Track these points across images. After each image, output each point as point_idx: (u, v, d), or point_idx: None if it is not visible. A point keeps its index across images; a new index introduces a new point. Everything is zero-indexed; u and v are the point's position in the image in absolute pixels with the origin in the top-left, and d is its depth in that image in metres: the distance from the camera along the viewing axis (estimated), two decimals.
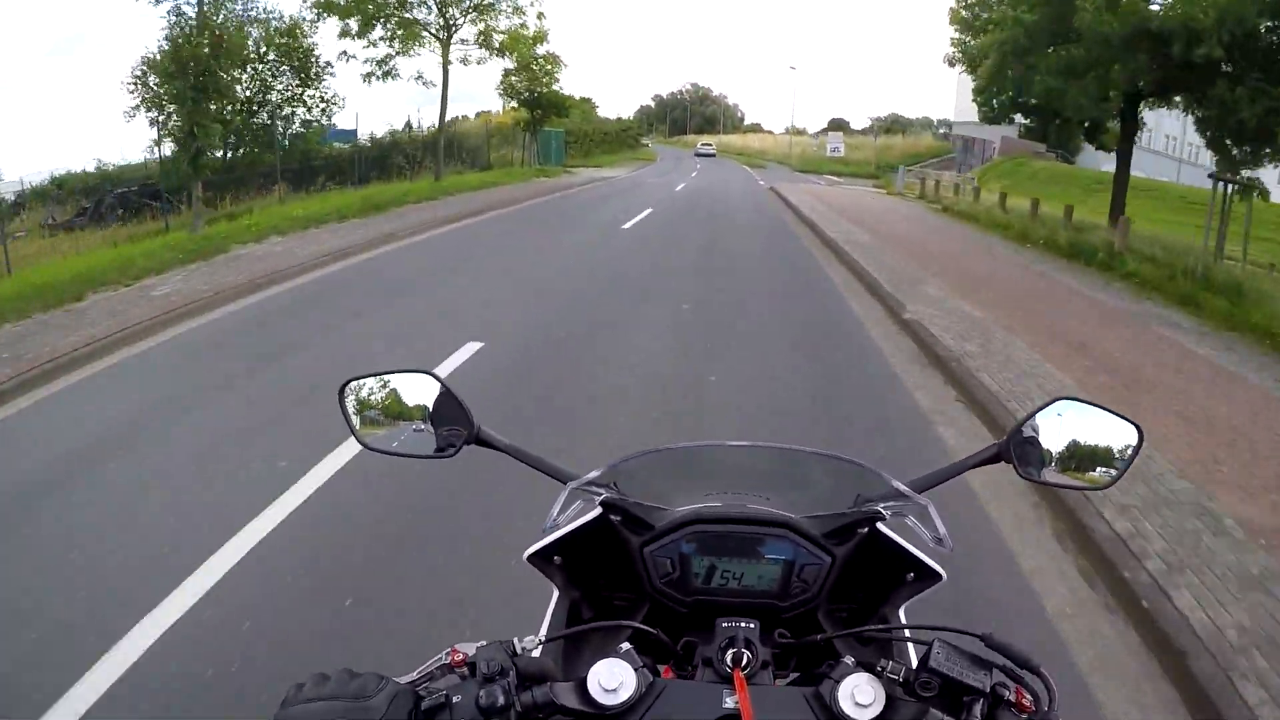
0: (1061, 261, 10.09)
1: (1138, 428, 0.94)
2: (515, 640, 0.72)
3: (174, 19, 10.60)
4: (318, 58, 17.68)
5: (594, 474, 0.91)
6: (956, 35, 25.33)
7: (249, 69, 15.64)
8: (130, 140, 44.17)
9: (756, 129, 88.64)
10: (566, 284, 7.40)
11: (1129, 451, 0.96)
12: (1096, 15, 11.49)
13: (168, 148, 12.01)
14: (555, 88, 24.26)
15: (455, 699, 0.65)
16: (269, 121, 16.59)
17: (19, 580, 2.49)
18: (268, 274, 7.10)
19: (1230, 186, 10.46)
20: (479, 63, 19.53)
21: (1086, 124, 49.09)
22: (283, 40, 16.49)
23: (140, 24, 40.07)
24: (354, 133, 20.46)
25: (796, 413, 4.17)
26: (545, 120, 25.23)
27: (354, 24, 17.42)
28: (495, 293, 6.83)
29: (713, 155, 54.52)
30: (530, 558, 0.94)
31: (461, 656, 0.69)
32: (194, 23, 10.30)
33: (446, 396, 0.99)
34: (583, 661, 0.76)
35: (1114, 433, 0.97)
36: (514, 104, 24.51)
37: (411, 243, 9.80)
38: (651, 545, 0.87)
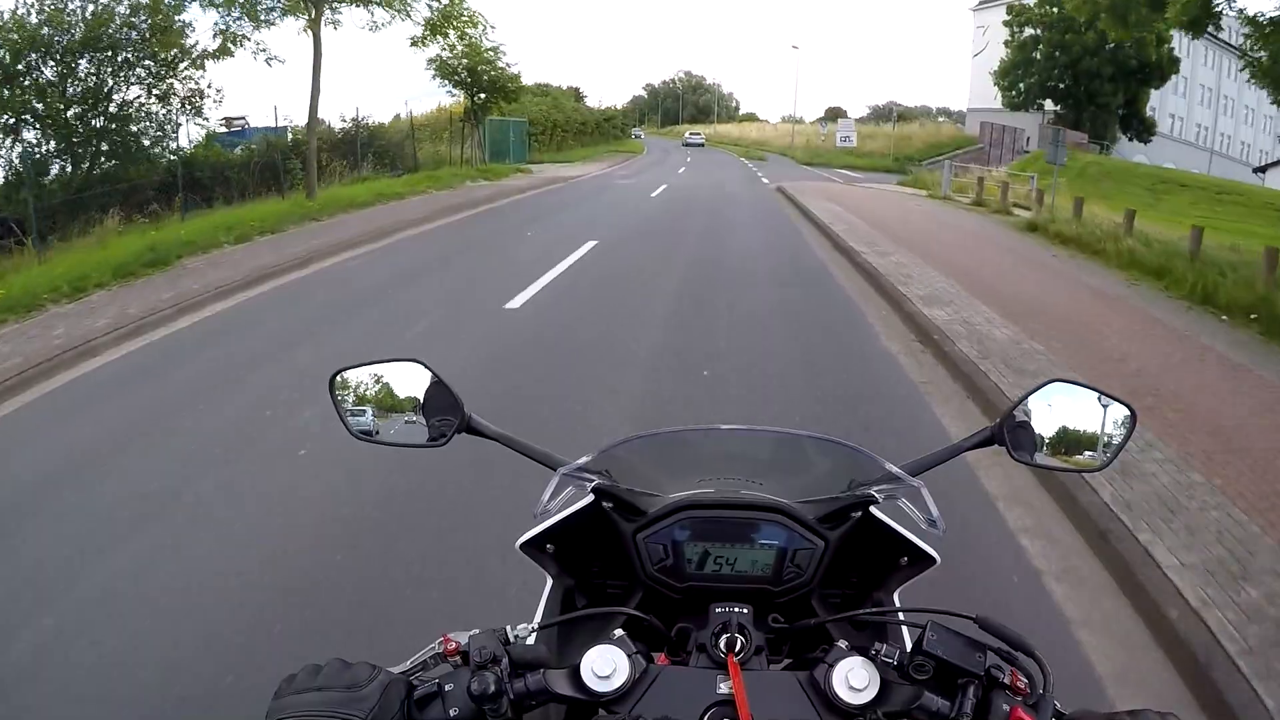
0: None
1: (1130, 408, 0.96)
2: (508, 628, 0.72)
3: None
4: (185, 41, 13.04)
5: (584, 459, 0.91)
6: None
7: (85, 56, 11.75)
8: None
9: (752, 118, 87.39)
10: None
11: (1122, 432, 0.97)
12: None
13: None
14: (502, 66, 21.02)
15: (448, 687, 0.65)
16: (109, 124, 12.51)
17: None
18: None
19: None
20: (373, 28, 14.61)
21: (1122, 110, 42.09)
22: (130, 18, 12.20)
23: None
24: (252, 134, 16.17)
25: None
26: (490, 108, 21.96)
27: None
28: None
29: (701, 145, 53.62)
30: (523, 546, 0.95)
31: (454, 645, 0.70)
32: None
33: (437, 385, 0.99)
34: (576, 649, 0.73)
35: (1106, 413, 0.98)
36: (450, 88, 21.44)
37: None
38: (644, 532, 0.88)
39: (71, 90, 11.58)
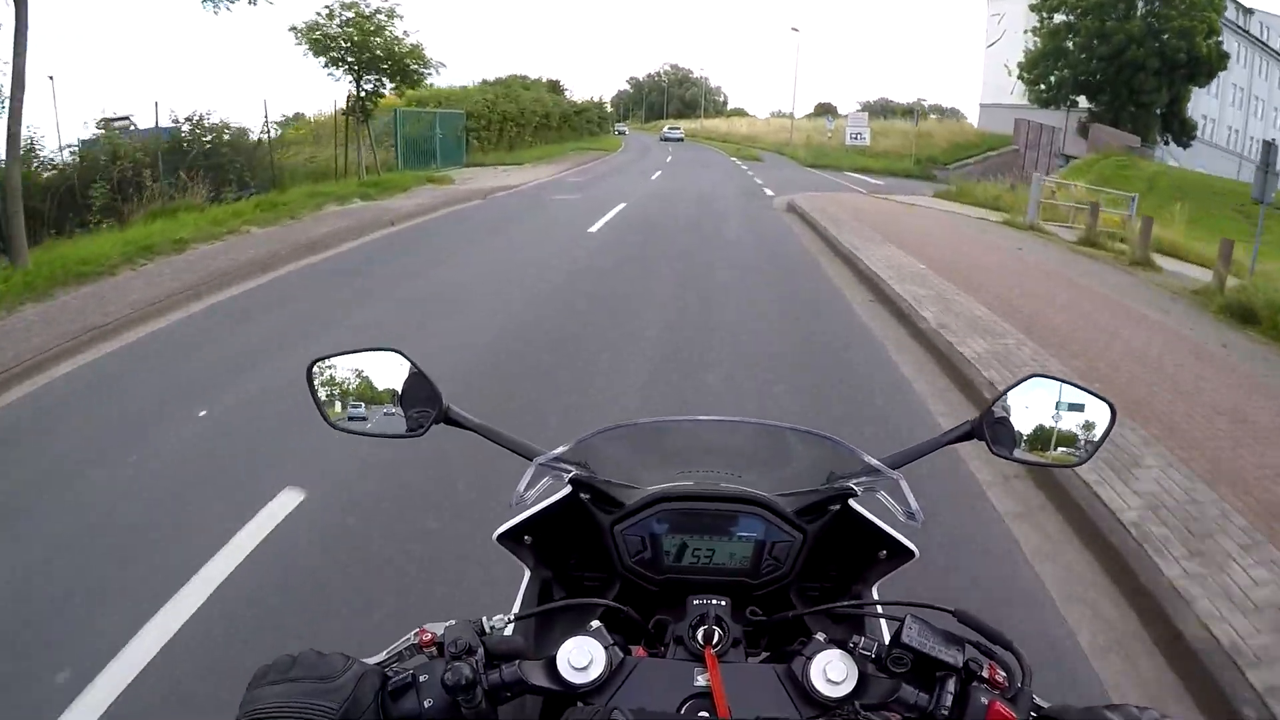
0: None
1: (1110, 404, 0.98)
2: (484, 619, 0.73)
3: None
4: None
5: (561, 449, 0.92)
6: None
7: None
8: None
9: (740, 114, 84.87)
10: None
11: (1101, 428, 0.98)
12: None
13: None
14: (398, 35, 15.62)
15: (422, 678, 0.65)
16: None
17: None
18: None
19: None
20: None
21: (1161, 110, 36.42)
22: None
23: None
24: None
25: None
26: (381, 95, 16.48)
27: None
28: None
29: (680, 139, 51.50)
30: (500, 538, 0.95)
31: (430, 636, 0.70)
32: None
33: (415, 375, 1.00)
34: (553, 641, 0.73)
35: (1086, 410, 0.99)
36: (330, 67, 15.49)
37: None
38: (622, 524, 0.88)
39: None
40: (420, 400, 0.99)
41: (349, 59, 14.24)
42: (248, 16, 24.41)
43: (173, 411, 4.04)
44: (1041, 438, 0.98)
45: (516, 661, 0.68)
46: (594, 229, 10.47)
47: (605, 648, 0.69)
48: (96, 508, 3.08)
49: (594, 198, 14.45)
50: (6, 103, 7.13)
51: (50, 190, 9.48)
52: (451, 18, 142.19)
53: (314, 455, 3.34)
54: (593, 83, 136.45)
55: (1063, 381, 0.98)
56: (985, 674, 0.66)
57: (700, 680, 0.70)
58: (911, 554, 0.92)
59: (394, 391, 1.00)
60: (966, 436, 0.98)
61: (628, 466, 0.97)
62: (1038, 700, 0.67)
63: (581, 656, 0.68)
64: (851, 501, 0.91)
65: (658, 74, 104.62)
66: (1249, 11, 39.97)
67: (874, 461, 0.91)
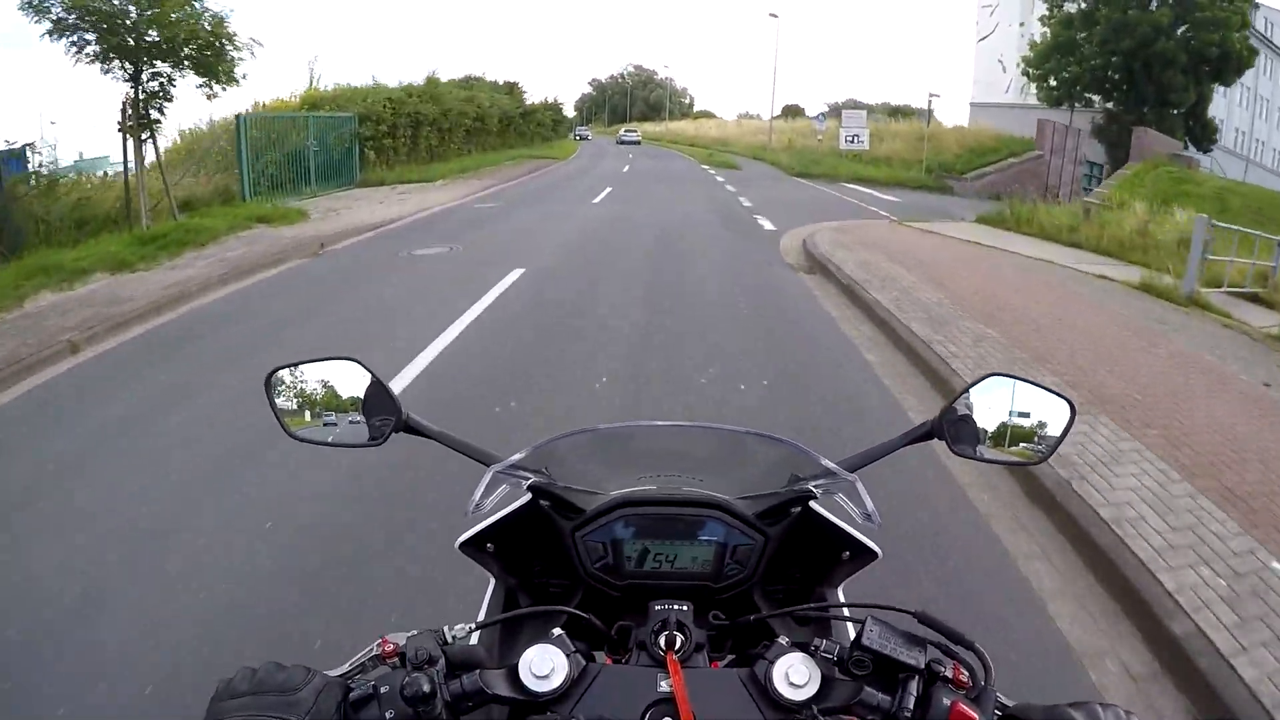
0: None
1: (1069, 402, 1.00)
2: (446, 628, 0.74)
3: None
4: None
5: (518, 456, 0.94)
6: None
7: None
8: None
9: (708, 115, 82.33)
10: None
11: (1061, 426, 1.00)
12: None
13: None
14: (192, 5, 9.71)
15: (383, 689, 0.66)
16: None
17: None
18: None
19: None
20: None
21: (1180, 110, 31.55)
22: None
23: None
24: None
25: None
26: (168, 94, 10.21)
27: None
28: None
29: (637, 142, 50.36)
30: (462, 546, 0.98)
31: (392, 647, 0.71)
32: None
33: (375, 385, 1.01)
34: (518, 649, 0.74)
35: (1046, 408, 1.01)
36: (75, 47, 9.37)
37: None
38: (583, 530, 0.90)
39: None
40: (381, 409, 1.00)
41: (109, 39, 8.49)
42: None
43: None
44: (1002, 435, 0.99)
45: (478, 671, 0.69)
46: (413, 367, 4.98)
47: (567, 655, 0.70)
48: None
49: (483, 250, 9.24)
50: None
51: None
52: (406, 18, 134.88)
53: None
54: (556, 86, 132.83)
55: (1021, 380, 0.99)
56: (949, 674, 0.67)
57: (663, 686, 0.71)
58: (874, 554, 0.95)
59: (356, 399, 1.01)
60: (926, 436, 0.99)
61: (587, 472, 1.00)
62: (1002, 699, 0.68)
63: (543, 665, 0.69)
64: (813, 504, 0.93)
65: (621, 75, 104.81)
66: (1255, 6, 36.49)
67: (831, 465, 0.94)
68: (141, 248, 8.42)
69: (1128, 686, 2.29)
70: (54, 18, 8.77)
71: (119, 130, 9.67)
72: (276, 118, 14.82)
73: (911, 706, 0.65)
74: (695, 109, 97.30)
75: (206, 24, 9.74)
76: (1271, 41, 40.08)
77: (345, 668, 0.71)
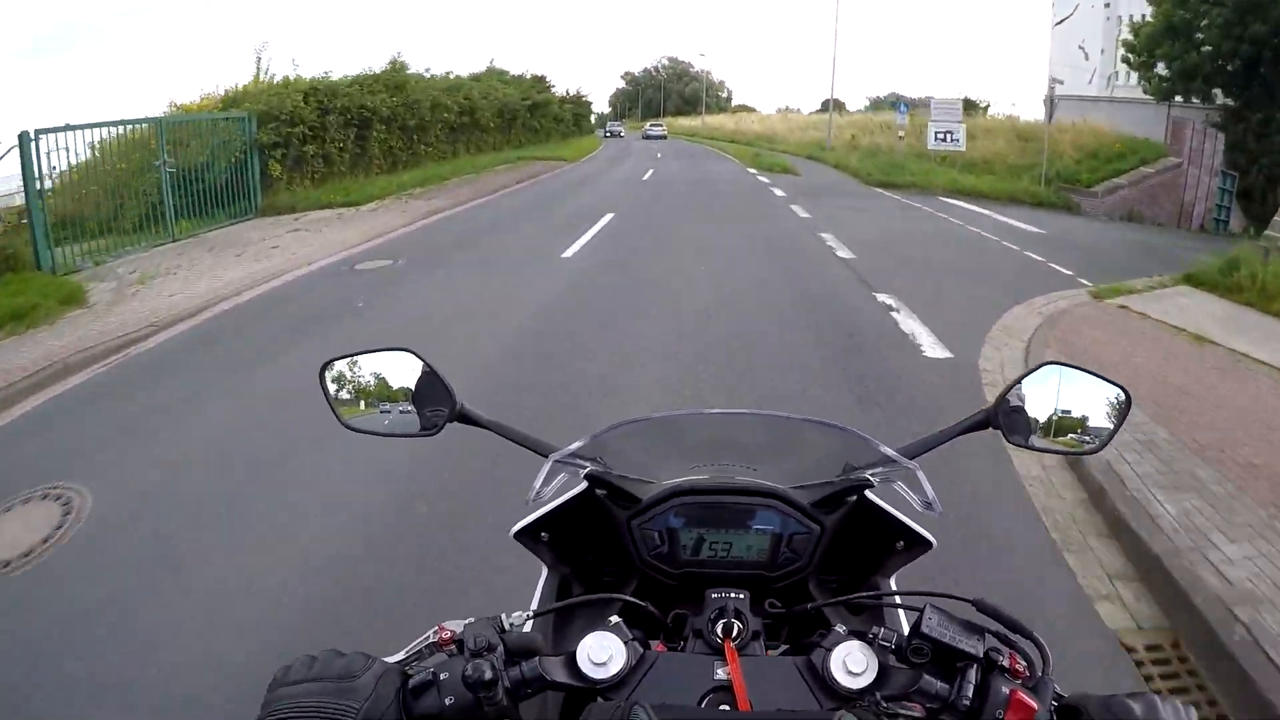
0: None
1: (1125, 390, 1.04)
2: (503, 616, 0.77)
3: None
4: None
5: (576, 445, 0.98)
6: None
7: None
8: None
9: (747, 109, 78.57)
10: None
11: (1116, 414, 1.03)
12: None
13: None
14: None
15: (443, 676, 0.69)
16: None
17: None
18: None
19: None
20: None
21: None
22: None
23: None
24: None
25: None
26: None
27: None
28: None
29: (663, 137, 50.01)
30: (517, 535, 1.03)
31: (449, 634, 0.74)
32: None
33: (429, 375, 1.07)
34: (573, 636, 0.79)
35: (1101, 396, 1.04)
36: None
37: None
38: (638, 518, 0.95)
39: None
40: (434, 399, 1.06)
41: None
42: None
43: None
44: (1056, 425, 1.02)
45: (536, 658, 0.72)
46: None
47: (625, 643, 0.73)
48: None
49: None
50: None
51: None
52: (433, 11, 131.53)
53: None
54: (589, 80, 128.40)
55: (1077, 368, 1.04)
56: (1006, 663, 0.69)
57: (720, 673, 0.74)
58: (929, 544, 0.99)
59: (408, 390, 1.07)
60: (981, 425, 1.04)
61: (643, 461, 1.04)
62: (1058, 689, 0.70)
63: (601, 652, 0.72)
64: (868, 492, 0.98)
65: (655, 68, 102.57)
66: None
67: (890, 451, 0.96)
68: None
69: None
70: None
71: None
72: (96, 127, 9.61)
73: (970, 695, 0.68)
74: (733, 103, 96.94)
75: None
76: None
77: (402, 655, 0.75)
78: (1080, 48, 32.88)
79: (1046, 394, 1.00)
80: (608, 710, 0.66)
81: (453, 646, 0.72)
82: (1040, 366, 1.02)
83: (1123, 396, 1.02)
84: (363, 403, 1.06)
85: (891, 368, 5.15)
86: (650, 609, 0.87)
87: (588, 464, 0.96)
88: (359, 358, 1.07)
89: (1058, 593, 2.78)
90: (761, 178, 21.75)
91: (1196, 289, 8.80)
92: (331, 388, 1.07)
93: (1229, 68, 23.31)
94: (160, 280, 8.24)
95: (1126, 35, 26.19)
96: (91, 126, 9.74)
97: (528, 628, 0.77)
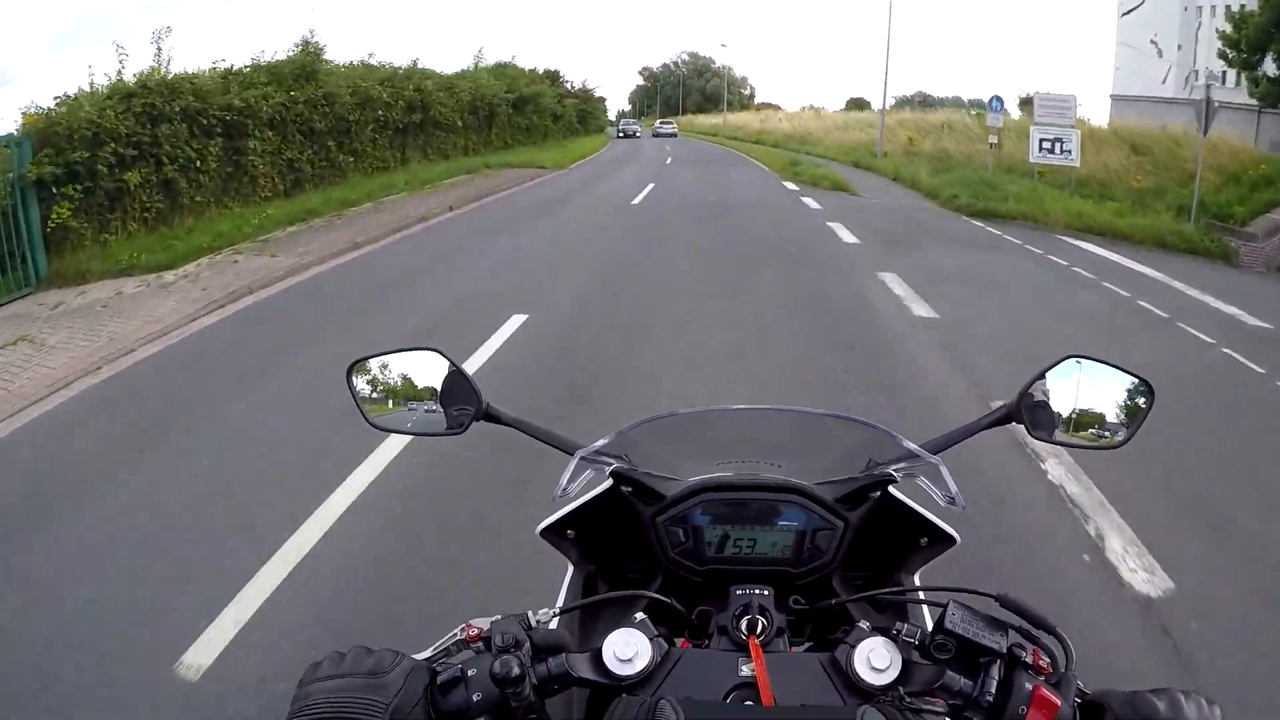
0: None
1: (1148, 384, 1.04)
2: (529, 613, 0.79)
3: None
4: None
5: (601, 442, 1.02)
6: None
7: None
8: None
9: (772, 108, 73.08)
10: None
11: (1140, 408, 1.03)
12: None
13: None
14: None
15: (470, 672, 0.71)
16: None
17: None
18: None
19: None
20: None
21: None
22: None
23: None
24: None
25: None
26: None
27: None
28: None
29: (673, 134, 48.04)
30: (543, 532, 1.06)
31: (476, 631, 0.77)
32: None
33: (455, 374, 1.10)
34: (598, 633, 0.84)
35: (1125, 390, 1.03)
36: None
37: None
38: (663, 515, 0.96)
39: None
40: (460, 398, 1.08)
41: None
42: None
43: None
44: (1079, 419, 1.02)
45: (563, 654, 0.75)
46: None
47: (650, 639, 0.75)
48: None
49: None
50: None
51: None
52: (451, 6, 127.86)
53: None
54: (606, 77, 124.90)
55: (1100, 362, 1.04)
56: (1029, 659, 0.70)
57: (745, 670, 0.75)
58: (953, 540, 1.01)
59: (434, 390, 1.09)
60: (1004, 420, 1.06)
61: (667, 458, 1.06)
62: (1082, 685, 0.72)
63: (627, 648, 0.73)
64: (891, 488, 1.00)
65: (674, 64, 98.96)
66: None
67: (913, 447, 0.99)
68: None
69: None
70: None
71: None
72: None
73: (993, 691, 0.69)
74: (756, 100, 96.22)
75: None
76: None
77: (430, 652, 0.77)
78: (1153, 42, 30.05)
79: (1069, 388, 1.01)
80: (633, 706, 0.67)
81: (480, 644, 0.74)
82: (1062, 360, 1.05)
83: (1147, 389, 1.05)
84: (390, 402, 1.09)
85: None
86: (675, 606, 0.89)
87: (613, 461, 0.99)
88: (385, 358, 1.10)
89: None
90: (807, 199, 16.62)
91: None
92: (359, 388, 1.11)
93: None
94: None
95: (1222, 26, 23.12)
96: None
97: (554, 625, 0.80)
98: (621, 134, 49.03)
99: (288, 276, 9.17)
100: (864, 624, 0.75)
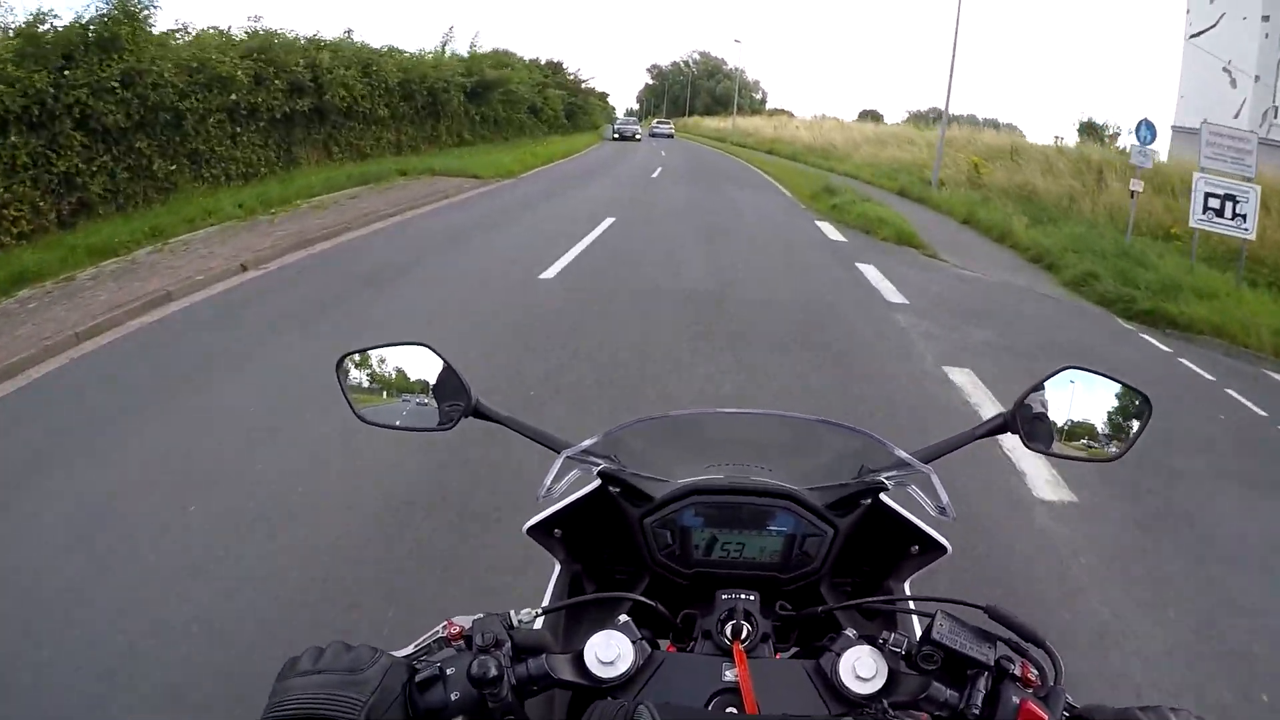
0: None
1: (1146, 397, 1.05)
2: (511, 613, 0.81)
3: None
4: None
5: (589, 442, 1.04)
6: None
7: None
8: None
9: (785, 114, 69.46)
10: None
11: (1138, 420, 1.05)
12: None
13: None
14: None
15: (449, 671, 0.71)
16: None
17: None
18: None
19: None
20: None
21: None
22: None
23: None
24: None
25: None
26: None
27: None
28: None
29: (670, 136, 45.68)
30: (530, 530, 1.08)
31: (458, 629, 0.78)
32: None
33: (446, 370, 1.11)
34: (581, 634, 0.83)
35: (1122, 402, 1.04)
36: None
37: None
38: (651, 517, 0.98)
39: None
40: (451, 394, 1.09)
41: None
42: None
43: None
44: (1076, 430, 1.03)
45: (543, 655, 0.75)
46: None
47: (633, 642, 0.76)
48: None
49: None
50: None
51: None
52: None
53: None
54: (615, 74, 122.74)
55: (1098, 373, 1.05)
56: (1017, 672, 0.71)
57: (728, 675, 0.76)
58: (944, 549, 1.03)
59: (425, 384, 1.10)
60: (1000, 430, 1.08)
61: (657, 459, 1.07)
62: (1070, 699, 0.72)
63: (609, 651, 0.74)
64: (883, 496, 1.02)
65: (685, 63, 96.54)
66: None
67: (905, 455, 1.02)
68: None
69: None
70: None
71: None
72: None
73: (980, 703, 0.70)
74: (768, 106, 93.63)
75: None
76: None
77: (410, 649, 0.77)
78: (1225, 70, 26.42)
79: (1066, 398, 1.02)
80: (613, 709, 0.68)
81: (461, 642, 0.75)
82: (1060, 371, 1.06)
83: (1145, 402, 1.06)
84: (384, 393, 1.11)
85: None
86: (660, 609, 0.91)
87: (601, 461, 1.00)
88: (376, 351, 1.11)
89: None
90: (865, 266, 9.27)
91: None
92: (348, 379, 1.12)
93: None
94: None
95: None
96: None
97: (537, 625, 0.82)
98: (615, 135, 41.53)
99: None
100: (850, 632, 0.76)
